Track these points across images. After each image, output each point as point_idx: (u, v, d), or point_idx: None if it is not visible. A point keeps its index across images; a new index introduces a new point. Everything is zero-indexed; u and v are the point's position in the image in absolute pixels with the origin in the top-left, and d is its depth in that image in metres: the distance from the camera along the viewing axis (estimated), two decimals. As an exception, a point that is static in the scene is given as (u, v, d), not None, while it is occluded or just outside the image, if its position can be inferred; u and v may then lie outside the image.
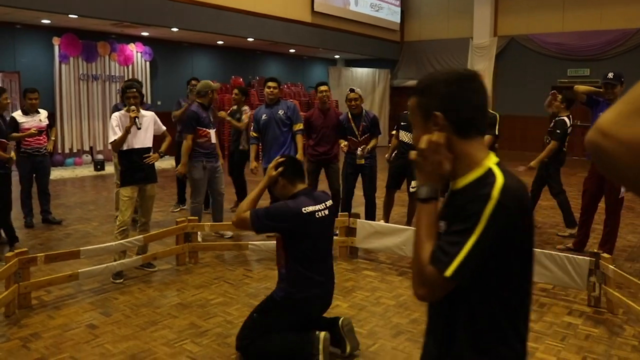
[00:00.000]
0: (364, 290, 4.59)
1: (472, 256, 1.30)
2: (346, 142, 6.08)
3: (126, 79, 10.96)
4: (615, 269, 4.07)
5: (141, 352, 3.46)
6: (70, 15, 9.46)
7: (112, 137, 4.87)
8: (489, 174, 1.35)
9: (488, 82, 15.08)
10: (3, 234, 5.79)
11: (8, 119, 6.28)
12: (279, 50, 16.08)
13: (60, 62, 11.52)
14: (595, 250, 4.39)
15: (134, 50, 12.80)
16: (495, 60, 15.68)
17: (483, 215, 1.29)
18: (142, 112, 5.05)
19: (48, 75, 11.46)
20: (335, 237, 5.69)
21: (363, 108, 6.18)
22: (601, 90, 5.33)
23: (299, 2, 13.40)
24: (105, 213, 7.28)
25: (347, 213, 5.60)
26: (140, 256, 4.95)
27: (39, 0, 8.75)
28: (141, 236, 4.95)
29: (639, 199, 7.40)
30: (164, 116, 6.23)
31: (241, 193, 7.25)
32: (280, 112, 6.01)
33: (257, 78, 15.35)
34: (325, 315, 3.54)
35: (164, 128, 5.34)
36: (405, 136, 6.11)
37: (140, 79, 12.08)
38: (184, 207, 7.45)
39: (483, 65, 15.64)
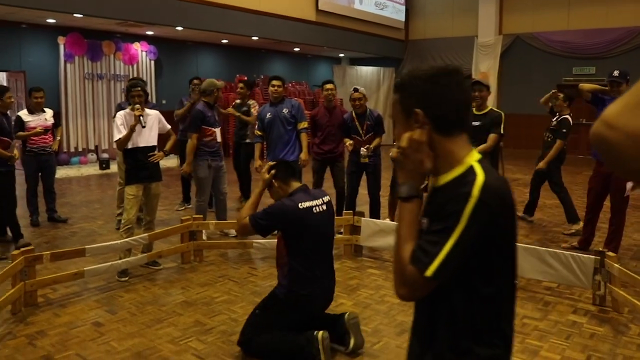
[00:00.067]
0: (369, 289, 4.59)
1: (453, 255, 1.28)
2: (351, 141, 6.07)
3: (131, 77, 10.99)
4: (620, 267, 4.06)
5: (146, 350, 3.47)
6: (75, 15, 9.49)
7: (117, 136, 4.89)
8: (470, 171, 1.33)
9: (493, 81, 15.05)
10: (9, 233, 5.82)
11: (14, 117, 6.31)
12: (283, 49, 16.08)
13: (65, 62, 11.56)
14: (601, 249, 4.38)
15: (139, 49, 12.83)
16: (500, 58, 15.63)
17: (463, 214, 1.27)
18: (147, 110, 5.06)
19: (53, 74, 11.49)
20: (339, 236, 5.70)
21: (367, 107, 6.17)
22: (607, 88, 5.31)
23: (303, 1, 13.40)
24: (110, 212, 7.30)
25: (351, 211, 5.60)
26: (145, 254, 4.96)
27: (44, 0, 8.78)
28: (146, 234, 4.97)
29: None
30: (168, 115, 6.24)
31: (246, 189, 7.26)
32: (285, 110, 6.01)
33: (262, 77, 15.35)
34: (329, 313, 3.55)
35: (169, 127, 5.35)
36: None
37: (145, 78, 12.15)
38: (189, 206, 7.47)
39: (488, 64, 15.61)
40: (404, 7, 17.08)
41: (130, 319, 3.94)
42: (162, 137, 5.28)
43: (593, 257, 4.19)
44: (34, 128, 6.26)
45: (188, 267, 5.12)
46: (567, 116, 6.30)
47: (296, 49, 16.19)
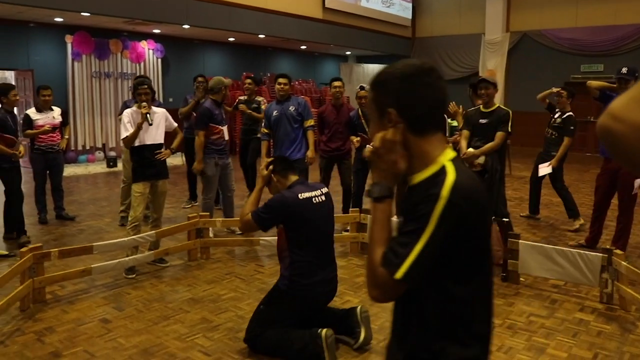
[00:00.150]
0: (375, 286, 4.58)
1: (423, 257, 1.26)
2: (358, 139, 6.07)
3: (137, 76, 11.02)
4: (628, 265, 4.04)
5: (153, 347, 3.49)
6: (82, 13, 9.54)
7: (124, 134, 4.90)
8: (441, 171, 1.31)
9: (500, 78, 14.98)
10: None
11: (22, 116, 6.35)
12: (290, 47, 16.08)
13: (73, 60, 11.62)
14: (608, 247, 4.37)
15: (146, 48, 12.87)
16: (508, 56, 15.57)
17: (433, 215, 1.25)
18: (154, 108, 5.08)
19: (61, 72, 11.55)
20: (345, 233, 5.71)
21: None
22: (614, 85, 5.28)
23: (310, -1, 13.41)
24: (117, 209, 7.32)
25: (357, 209, 5.60)
26: (153, 252, 4.99)
27: (52, -1, 8.82)
28: (153, 232, 4.99)
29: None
30: (175, 113, 6.26)
31: (253, 185, 7.28)
32: (291, 108, 6.01)
33: (268, 75, 15.36)
34: (339, 308, 3.57)
35: (175, 124, 5.37)
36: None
37: (152, 76, 12.18)
38: (196, 203, 7.49)
39: (495, 61, 15.54)
40: (410, 5, 17.03)
41: (138, 316, 3.96)
42: (168, 135, 5.29)
43: (600, 254, 4.18)
44: (42, 126, 6.29)
45: (195, 265, 5.13)
46: (571, 113, 6.38)
47: (303, 47, 16.19)
